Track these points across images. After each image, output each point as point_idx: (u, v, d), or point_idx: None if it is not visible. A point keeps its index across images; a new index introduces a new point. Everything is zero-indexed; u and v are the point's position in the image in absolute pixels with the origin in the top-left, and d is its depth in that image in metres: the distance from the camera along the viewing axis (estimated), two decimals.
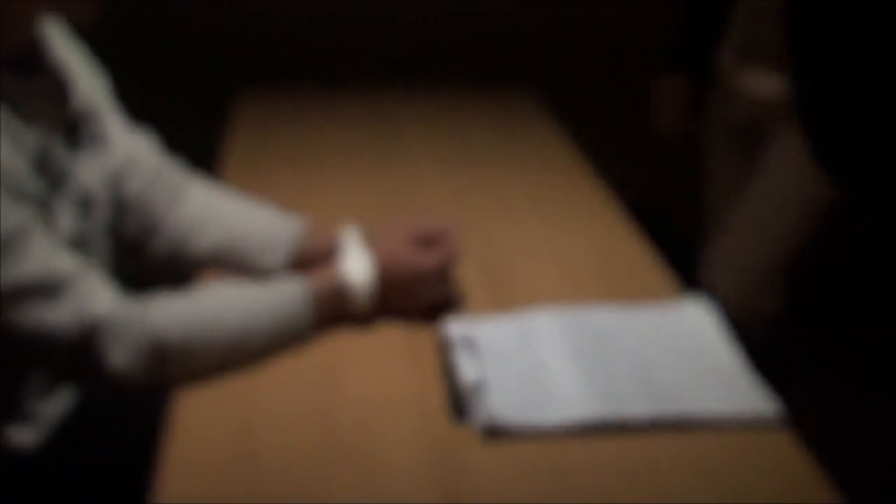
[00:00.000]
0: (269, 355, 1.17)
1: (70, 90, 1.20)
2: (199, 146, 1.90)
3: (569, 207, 1.60)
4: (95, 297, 1.04)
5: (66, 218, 1.13)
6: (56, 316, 1.01)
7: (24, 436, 1.19)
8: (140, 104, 2.70)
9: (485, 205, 1.67)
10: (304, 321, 1.19)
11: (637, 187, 1.93)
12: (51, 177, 1.11)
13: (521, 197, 1.71)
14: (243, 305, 1.15)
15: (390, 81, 2.38)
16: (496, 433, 1.06)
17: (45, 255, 1.01)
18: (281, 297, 1.18)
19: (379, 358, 1.21)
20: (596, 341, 1.22)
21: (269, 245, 1.31)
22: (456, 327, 1.23)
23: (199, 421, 1.08)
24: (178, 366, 1.10)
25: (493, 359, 1.18)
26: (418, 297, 1.25)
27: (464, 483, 0.99)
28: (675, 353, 1.20)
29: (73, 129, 1.19)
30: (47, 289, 1.00)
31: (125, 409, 1.27)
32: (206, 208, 1.36)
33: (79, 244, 1.17)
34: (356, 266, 1.21)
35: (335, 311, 1.22)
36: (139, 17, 2.53)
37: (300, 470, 1.00)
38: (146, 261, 1.37)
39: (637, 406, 1.09)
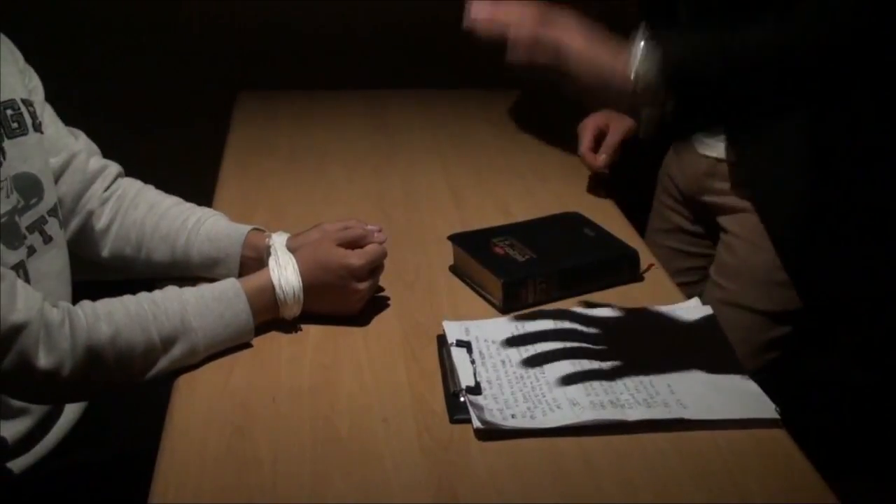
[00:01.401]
0: (208, 352, 1.17)
1: None
2: (199, 147, 1.90)
3: (567, 207, 1.60)
4: (15, 302, 1.03)
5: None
6: None
7: (13, 429, 1.19)
8: (142, 106, 2.71)
9: (483, 204, 1.67)
10: (241, 318, 1.19)
11: (632, 187, 1.93)
12: None
13: (519, 196, 1.71)
14: (176, 305, 1.15)
15: (388, 82, 2.39)
16: (490, 435, 1.06)
17: None
18: (214, 295, 1.18)
19: (377, 359, 1.21)
20: (593, 343, 1.22)
21: (214, 262, 1.33)
22: (454, 328, 1.24)
23: (196, 422, 1.08)
24: (111, 366, 1.09)
25: (489, 361, 1.18)
26: (348, 294, 1.26)
27: (461, 483, 0.99)
28: (673, 356, 1.20)
29: (7, 114, 1.18)
30: None
31: (123, 410, 1.28)
32: (150, 223, 1.36)
33: (11, 229, 1.16)
34: (284, 270, 1.23)
35: (266, 312, 1.23)
36: (140, 18, 2.54)
37: (298, 470, 1.00)
38: (99, 264, 1.38)
39: (632, 411, 1.09)
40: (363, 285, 1.26)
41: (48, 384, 1.06)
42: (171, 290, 1.17)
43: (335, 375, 1.17)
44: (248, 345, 1.21)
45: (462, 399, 1.11)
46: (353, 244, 1.27)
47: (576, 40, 1.09)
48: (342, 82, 2.48)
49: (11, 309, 1.03)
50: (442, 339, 1.23)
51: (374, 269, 1.28)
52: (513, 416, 1.08)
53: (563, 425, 1.07)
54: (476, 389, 1.13)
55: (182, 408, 1.10)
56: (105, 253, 1.37)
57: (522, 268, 1.35)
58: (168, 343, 1.13)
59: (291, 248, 1.28)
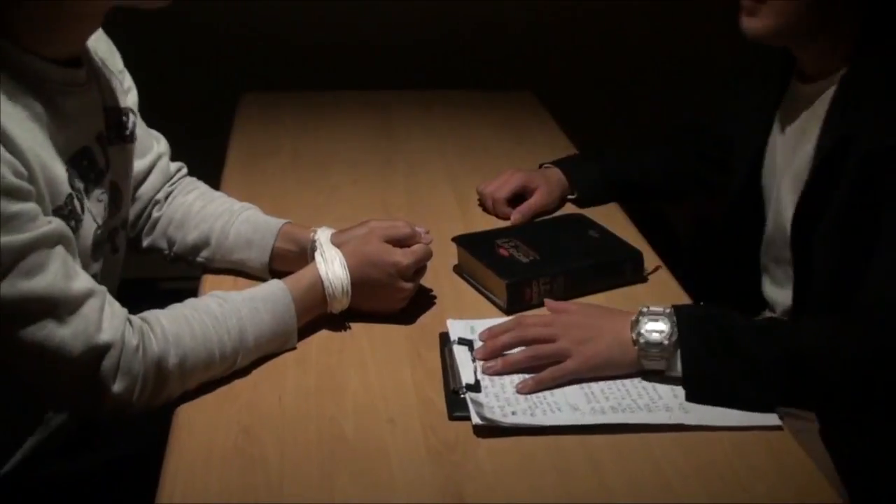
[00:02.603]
0: (256, 358, 1.18)
1: (108, 86, 1.22)
2: (202, 148, 1.90)
3: (569, 207, 1.61)
4: (102, 322, 1.03)
5: (97, 214, 1.14)
6: (62, 336, 0.99)
7: (32, 438, 1.20)
8: (144, 107, 2.71)
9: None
10: (290, 325, 1.20)
11: (635, 188, 1.93)
12: (88, 173, 1.12)
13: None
14: (235, 323, 1.14)
15: (391, 84, 2.39)
16: (488, 431, 1.06)
17: (61, 273, 0.99)
18: (267, 307, 1.18)
19: (382, 359, 1.21)
20: None
21: (247, 244, 1.35)
22: (458, 326, 1.24)
23: (203, 422, 1.08)
24: (175, 386, 1.10)
25: (491, 359, 1.18)
26: (394, 292, 1.27)
27: (467, 483, 0.99)
28: None
29: (111, 123, 1.21)
30: (57, 308, 0.99)
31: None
32: (198, 205, 1.41)
33: (104, 239, 1.18)
34: (330, 264, 1.24)
35: (315, 308, 1.24)
36: (142, 19, 2.54)
37: (304, 470, 1.01)
38: (137, 254, 1.42)
39: (633, 415, 1.09)
40: (409, 284, 1.27)
41: (117, 406, 1.06)
42: (227, 303, 1.16)
43: (341, 376, 1.17)
44: None
45: (462, 396, 1.11)
46: (400, 243, 1.28)
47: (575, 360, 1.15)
48: (345, 83, 2.49)
49: (99, 328, 1.02)
50: (445, 337, 1.23)
51: (419, 269, 1.29)
52: (513, 414, 1.08)
53: (562, 424, 1.07)
54: (476, 387, 1.13)
55: (188, 408, 1.11)
56: (150, 239, 1.42)
57: (527, 269, 1.35)
58: (227, 361, 1.14)
59: (336, 243, 1.28)
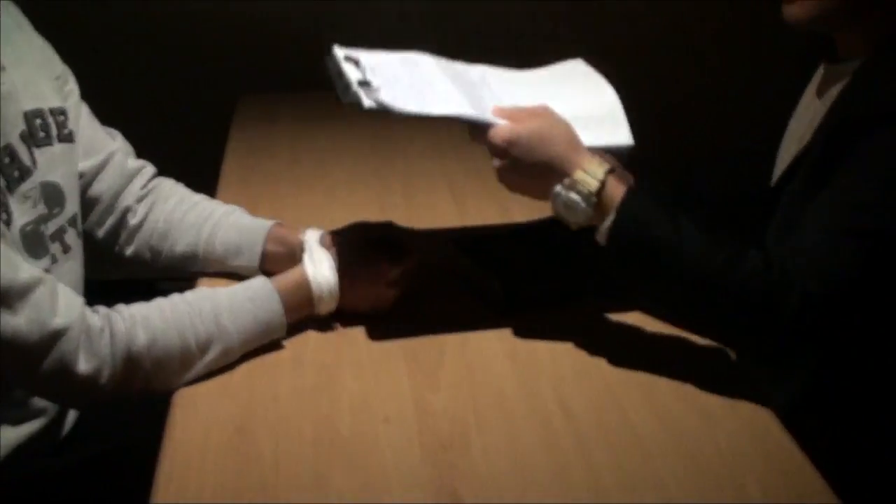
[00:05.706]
0: (242, 352, 1.18)
1: (38, 88, 1.20)
2: (200, 149, 1.91)
3: None
4: (56, 307, 1.03)
5: (23, 211, 1.13)
6: (13, 325, 1.00)
7: (29, 429, 1.20)
8: (143, 107, 2.71)
9: (483, 205, 1.67)
10: (275, 318, 1.20)
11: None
12: (11, 171, 1.11)
13: (519, 197, 1.70)
14: (210, 307, 1.15)
15: None
16: (382, 112, 1.13)
17: (2, 263, 1.00)
18: (247, 295, 1.19)
19: (377, 358, 1.21)
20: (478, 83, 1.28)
21: (237, 250, 1.35)
22: (342, 50, 1.23)
23: (198, 420, 1.08)
24: (149, 372, 1.10)
25: (377, 71, 1.19)
26: (381, 294, 1.27)
27: (462, 482, 1.00)
28: (553, 95, 1.28)
29: (42, 124, 1.20)
30: (6, 297, 0.99)
31: (123, 406, 1.28)
32: (179, 213, 1.38)
33: (40, 236, 1.17)
34: (319, 266, 1.24)
35: (301, 309, 1.24)
36: (140, 20, 2.54)
37: (299, 469, 1.01)
38: (120, 262, 1.39)
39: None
40: (396, 287, 1.27)
41: (86, 390, 1.07)
42: (203, 291, 1.17)
43: (336, 375, 1.18)
44: None
45: (354, 90, 1.12)
46: (392, 247, 1.29)
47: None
48: None
49: (53, 313, 1.03)
50: (330, 58, 1.21)
51: (408, 274, 1.30)
52: (399, 103, 1.14)
53: (444, 115, 1.16)
54: (367, 84, 1.14)
55: (184, 407, 1.11)
56: (132, 248, 1.39)
57: (523, 268, 1.36)
58: (204, 347, 1.14)
59: (327, 246, 1.29)
